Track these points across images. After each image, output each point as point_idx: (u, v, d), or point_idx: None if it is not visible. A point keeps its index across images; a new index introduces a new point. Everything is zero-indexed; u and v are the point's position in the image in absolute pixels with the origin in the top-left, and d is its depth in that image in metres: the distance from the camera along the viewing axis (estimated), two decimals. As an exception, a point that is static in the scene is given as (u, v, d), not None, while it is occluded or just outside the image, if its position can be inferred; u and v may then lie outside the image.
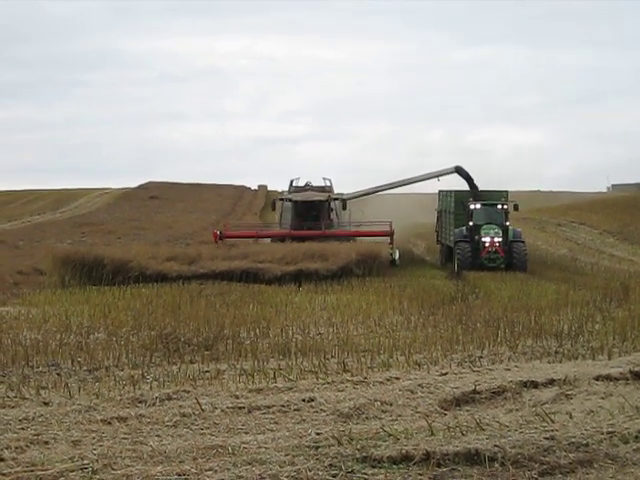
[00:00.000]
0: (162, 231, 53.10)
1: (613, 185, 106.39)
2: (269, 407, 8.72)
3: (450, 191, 41.14)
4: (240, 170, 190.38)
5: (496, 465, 6.31)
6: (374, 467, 6.36)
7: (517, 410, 8.16)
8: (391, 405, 8.67)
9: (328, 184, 41.53)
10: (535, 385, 9.17)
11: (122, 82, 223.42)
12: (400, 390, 9.31)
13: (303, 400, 8.93)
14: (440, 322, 17.86)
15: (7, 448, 7.15)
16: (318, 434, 7.37)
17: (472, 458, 6.41)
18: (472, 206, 37.64)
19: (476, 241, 36.49)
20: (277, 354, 14.07)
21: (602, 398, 8.41)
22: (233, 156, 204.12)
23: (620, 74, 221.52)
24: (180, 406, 8.87)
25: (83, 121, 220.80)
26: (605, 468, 6.26)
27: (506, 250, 36.19)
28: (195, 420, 8.31)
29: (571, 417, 7.56)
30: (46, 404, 9.55)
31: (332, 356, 13.83)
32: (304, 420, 8.21)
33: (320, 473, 6.18)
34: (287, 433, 7.56)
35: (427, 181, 42.22)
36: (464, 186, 40.96)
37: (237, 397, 9.39)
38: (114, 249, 34.75)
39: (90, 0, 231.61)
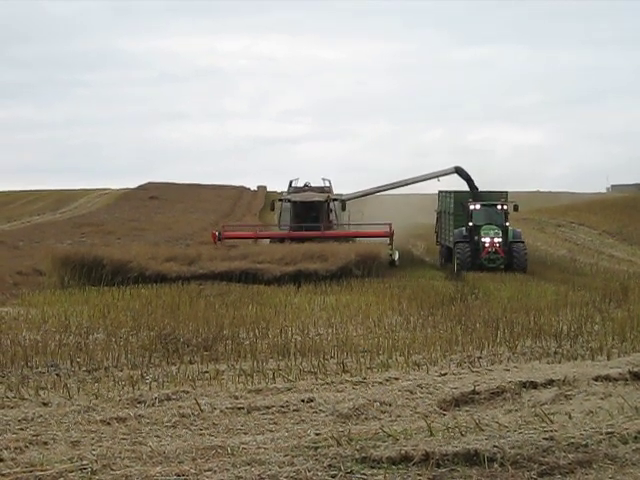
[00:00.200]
0: (161, 232, 53.09)
1: (612, 185, 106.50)
2: (268, 408, 8.72)
3: (449, 192, 41.13)
4: (240, 170, 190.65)
5: (495, 465, 6.31)
6: (373, 467, 6.36)
7: (516, 410, 8.17)
8: (390, 405, 8.67)
9: (327, 185, 41.52)
10: (534, 386, 9.17)
11: (122, 82, 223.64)
12: (399, 390, 9.31)
13: (302, 401, 8.93)
14: (439, 323, 17.86)
15: (6, 448, 7.15)
16: (317, 434, 7.37)
17: (471, 458, 6.41)
18: (472, 206, 37.61)
19: (476, 242, 36.47)
20: (276, 354, 14.06)
21: (601, 399, 8.41)
22: (233, 156, 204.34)
23: (620, 74, 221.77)
24: (179, 406, 8.87)
25: (83, 121, 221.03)
26: (604, 468, 6.26)
27: (506, 251, 36.18)
28: (194, 420, 8.31)
29: (570, 417, 7.56)
30: (45, 405, 9.55)
31: (331, 357, 13.83)
32: (303, 420, 8.21)
33: (319, 474, 6.18)
34: (286, 433, 7.56)
35: (427, 182, 42.24)
36: (464, 187, 40.96)
37: (236, 397, 9.39)
38: (114, 250, 34.74)
39: (90, 0, 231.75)
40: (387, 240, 36.38)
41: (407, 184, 42.79)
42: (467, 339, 15.13)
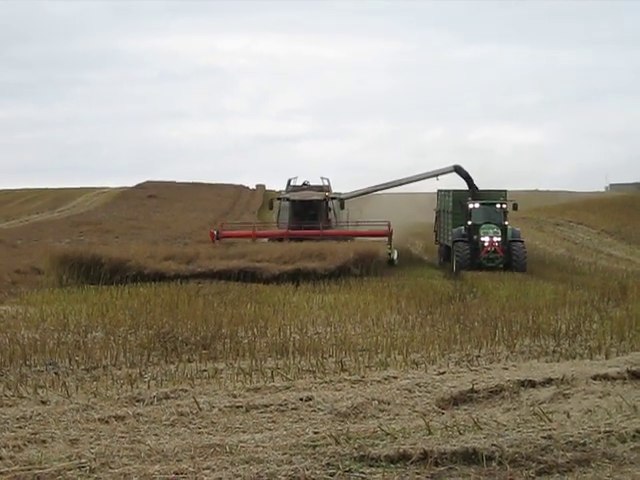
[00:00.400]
0: (160, 230, 53.07)
1: (611, 185, 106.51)
2: (267, 406, 8.72)
3: (448, 191, 41.08)
4: (240, 169, 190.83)
5: (493, 464, 6.31)
6: (371, 466, 6.36)
7: (515, 409, 8.17)
8: (389, 404, 8.67)
9: (326, 183, 41.46)
10: (533, 384, 9.18)
11: (122, 81, 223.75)
12: (398, 389, 9.31)
13: (301, 399, 8.93)
14: (438, 321, 17.87)
15: (5, 447, 7.15)
16: (316, 433, 7.37)
17: (470, 457, 6.41)
18: (471, 205, 37.52)
19: (475, 241, 36.38)
20: (275, 353, 14.06)
21: (600, 397, 8.41)
22: (233, 155, 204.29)
23: (620, 74, 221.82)
24: (178, 405, 8.87)
25: (83, 120, 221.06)
26: (602, 467, 6.27)
27: (505, 250, 36.10)
28: (193, 419, 8.32)
29: (569, 416, 7.56)
30: (44, 403, 9.55)
31: (330, 355, 13.83)
32: (302, 419, 8.21)
33: (317, 472, 6.19)
34: (285, 432, 7.56)
35: (426, 180, 42.20)
36: (463, 185, 40.91)
37: (235, 396, 9.39)
38: (112, 248, 34.72)
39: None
40: (386, 239, 36.34)
41: (406, 183, 42.75)
42: (466, 338, 15.13)
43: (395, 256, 36.06)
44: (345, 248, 32.86)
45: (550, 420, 7.35)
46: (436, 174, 41.80)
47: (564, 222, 61.58)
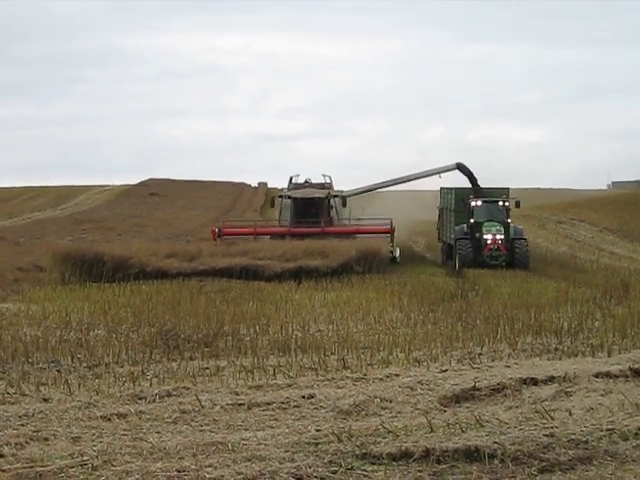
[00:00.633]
0: (162, 228, 53.09)
1: (613, 182, 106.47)
2: (269, 404, 8.72)
3: (451, 188, 41.00)
4: (240, 167, 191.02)
5: (496, 462, 6.31)
6: (374, 464, 6.37)
7: (517, 407, 8.17)
8: (391, 402, 8.67)
9: (328, 181, 41.43)
10: (535, 382, 9.18)
11: (122, 79, 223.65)
12: (400, 387, 9.31)
13: (303, 397, 8.93)
14: (440, 319, 17.86)
15: (7, 444, 7.15)
16: (318, 431, 7.37)
17: (472, 455, 6.41)
18: (473, 203, 37.41)
19: (477, 238, 36.30)
20: (277, 351, 14.07)
21: (602, 395, 8.41)
22: (233, 153, 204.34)
23: (621, 72, 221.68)
24: (180, 402, 8.88)
25: (83, 118, 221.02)
26: (605, 465, 6.27)
27: (508, 248, 36.03)
28: (195, 417, 8.32)
29: (571, 414, 7.56)
30: (46, 400, 9.56)
31: (332, 353, 13.83)
32: (304, 417, 8.21)
33: (320, 469, 6.19)
34: (287, 430, 7.56)
35: (428, 178, 42.14)
36: (466, 183, 40.85)
37: (237, 394, 9.39)
38: (114, 246, 34.75)
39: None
40: (388, 237, 36.31)
41: (408, 180, 42.69)
42: (468, 335, 15.13)
43: (397, 254, 36.04)
44: (347, 246, 32.85)
45: (552, 418, 7.35)
46: (439, 172, 41.71)
47: (566, 220, 61.55)
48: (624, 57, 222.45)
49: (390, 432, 7.05)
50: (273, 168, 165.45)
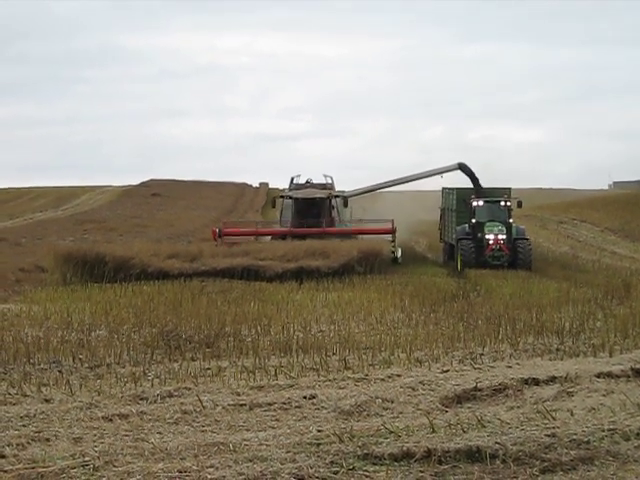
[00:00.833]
0: (164, 229, 53.10)
1: (615, 182, 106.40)
2: (270, 404, 8.72)
3: (452, 189, 40.95)
4: (240, 167, 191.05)
5: (497, 462, 6.31)
6: (375, 464, 6.37)
7: (518, 407, 8.16)
8: (392, 402, 8.67)
9: (329, 181, 41.41)
10: (536, 382, 9.18)
11: (122, 79, 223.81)
12: (401, 387, 9.31)
13: (304, 397, 8.93)
14: (441, 319, 17.86)
15: (8, 445, 7.15)
16: (319, 431, 7.37)
17: (473, 455, 6.41)
18: (475, 203, 37.28)
19: (479, 238, 36.20)
20: (278, 351, 14.07)
21: (603, 395, 8.41)
22: (233, 153, 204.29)
23: (622, 71, 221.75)
24: (181, 403, 8.88)
25: (84, 118, 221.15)
26: (606, 465, 6.26)
27: (510, 248, 35.96)
28: (196, 417, 8.32)
29: (572, 414, 7.56)
30: (47, 401, 9.56)
31: (333, 353, 13.83)
32: (305, 417, 8.21)
33: (321, 470, 6.19)
34: (288, 430, 7.56)
35: (430, 178, 42.10)
36: (467, 183, 40.80)
37: (238, 394, 9.39)
38: (116, 246, 34.75)
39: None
40: (390, 237, 36.28)
41: (410, 181, 42.64)
42: (469, 336, 15.13)
43: (399, 254, 36.02)
44: (348, 246, 32.85)
45: (554, 418, 7.35)
46: (440, 172, 41.65)
47: (568, 220, 61.52)
48: (624, 57, 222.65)
49: (392, 432, 7.05)
50: (273, 168, 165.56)
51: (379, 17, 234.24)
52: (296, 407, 8.62)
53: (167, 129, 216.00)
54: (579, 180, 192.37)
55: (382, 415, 8.18)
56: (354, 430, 7.24)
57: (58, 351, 14.23)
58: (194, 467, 6.26)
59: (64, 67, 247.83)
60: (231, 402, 8.87)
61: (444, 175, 41.65)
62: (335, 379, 10.27)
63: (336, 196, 40.15)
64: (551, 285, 26.15)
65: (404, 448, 6.51)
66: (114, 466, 6.41)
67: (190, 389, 9.79)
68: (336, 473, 6.16)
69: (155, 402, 9.15)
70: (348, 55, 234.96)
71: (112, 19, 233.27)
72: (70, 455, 6.73)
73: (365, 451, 6.51)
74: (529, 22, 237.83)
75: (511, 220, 36.97)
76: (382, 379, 10.10)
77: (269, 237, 39.23)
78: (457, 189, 40.39)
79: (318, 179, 41.50)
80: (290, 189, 41.04)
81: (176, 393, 9.53)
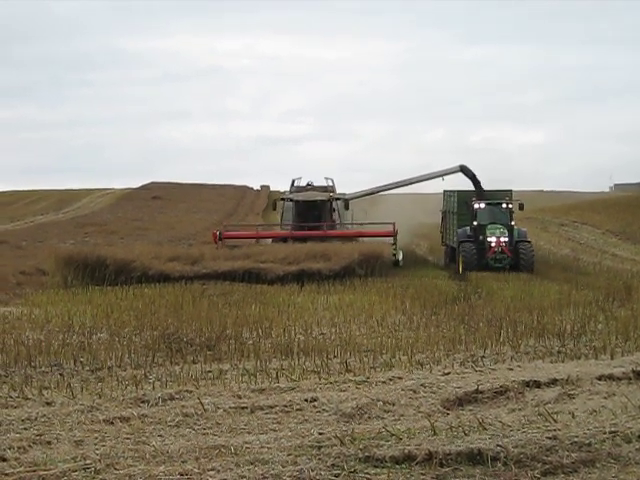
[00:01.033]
0: (165, 231, 53.11)
1: (616, 185, 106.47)
2: (271, 407, 8.72)
3: (454, 191, 40.90)
4: (242, 170, 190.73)
5: (499, 465, 6.31)
6: (376, 467, 6.36)
7: (520, 410, 8.16)
8: (393, 405, 8.66)
9: (330, 184, 41.38)
10: (538, 385, 9.17)
11: (124, 82, 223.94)
12: (402, 390, 9.30)
13: (305, 400, 8.93)
14: (442, 322, 17.86)
15: (10, 448, 7.16)
16: (320, 434, 7.37)
17: (475, 458, 6.41)
18: (476, 205, 37.16)
19: (481, 241, 36.09)
20: (279, 354, 14.07)
21: (605, 398, 8.41)
22: (235, 156, 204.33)
23: (623, 73, 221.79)
24: (183, 406, 8.88)
25: (85, 121, 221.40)
26: (608, 468, 6.26)
27: (512, 250, 35.88)
28: (198, 420, 8.32)
29: (574, 417, 7.56)
30: (49, 404, 9.55)
31: (334, 356, 13.84)
32: (306, 420, 8.21)
33: (322, 473, 6.19)
34: (289, 433, 7.56)
35: (431, 181, 42.05)
36: (468, 186, 40.74)
37: (239, 397, 9.39)
38: (117, 249, 34.74)
39: (92, 0, 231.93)
40: (391, 240, 36.25)
41: (411, 183, 42.56)
42: (470, 338, 15.13)
43: (400, 257, 35.99)
44: (350, 249, 32.82)
45: (555, 420, 7.35)
46: (442, 174, 41.59)
47: (569, 222, 61.48)
48: (625, 57, 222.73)
49: (393, 435, 7.04)
50: (274, 171, 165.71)
51: (380, 19, 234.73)
52: (297, 410, 8.62)
53: (168, 132, 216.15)
54: (580, 182, 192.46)
55: (383, 418, 8.18)
56: (355, 433, 7.24)
57: (59, 354, 14.24)
58: (195, 470, 6.26)
59: (66, 70, 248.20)
60: (232, 405, 8.87)
61: (445, 177, 41.58)
62: (336, 382, 10.27)
63: (337, 199, 40.12)
64: (552, 287, 26.14)
65: (405, 451, 6.51)
66: (115, 469, 6.41)
67: (191, 392, 9.79)
68: (337, 476, 6.16)
69: (156, 405, 9.15)
70: (349, 58, 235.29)
71: (113, 21, 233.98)
72: (71, 458, 6.73)
73: (366, 454, 6.51)
74: (529, 23, 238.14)
75: (513, 222, 36.89)
76: (383, 382, 10.10)
77: (270, 240, 39.23)
78: (458, 191, 40.33)
79: (319, 182, 41.48)
80: (291, 192, 41.03)
81: (177, 396, 9.53)
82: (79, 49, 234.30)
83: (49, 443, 7.43)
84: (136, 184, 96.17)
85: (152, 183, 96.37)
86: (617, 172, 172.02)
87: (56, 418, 8.49)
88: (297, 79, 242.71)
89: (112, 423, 8.24)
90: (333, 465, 6.32)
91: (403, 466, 6.37)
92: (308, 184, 41.22)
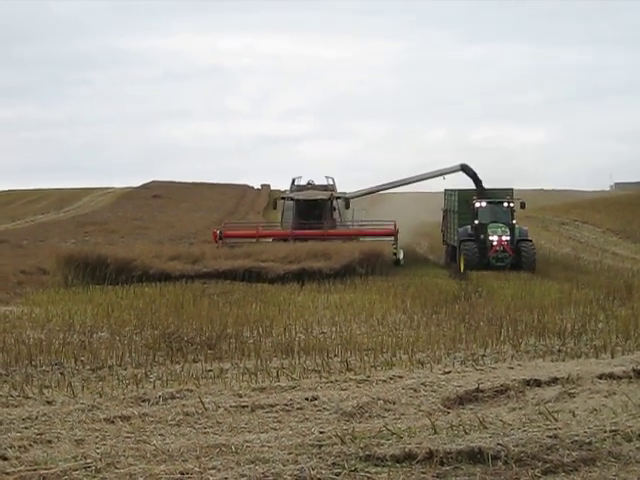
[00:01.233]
0: (165, 230, 53.12)
1: (616, 183, 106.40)
2: (272, 406, 8.72)
3: (454, 190, 40.86)
4: (242, 169, 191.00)
5: (499, 463, 6.31)
6: (377, 466, 6.36)
7: (520, 409, 8.16)
8: (394, 404, 8.66)
9: (331, 183, 41.37)
10: (538, 384, 9.17)
11: (124, 81, 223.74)
12: (403, 389, 9.30)
13: (306, 399, 8.93)
14: (443, 321, 17.86)
15: (10, 447, 7.16)
16: (321, 433, 7.37)
17: (475, 456, 6.41)
18: (477, 204, 37.06)
19: (482, 240, 36.02)
20: (280, 353, 14.08)
21: (605, 397, 8.40)
22: (235, 155, 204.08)
23: (624, 72, 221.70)
24: (183, 405, 8.87)
25: (86, 120, 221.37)
26: (608, 466, 6.26)
27: (513, 249, 35.83)
28: (198, 419, 8.31)
29: (574, 416, 7.55)
30: (49, 403, 9.55)
31: (335, 355, 13.84)
32: (307, 419, 8.20)
33: (323, 472, 6.19)
34: (290, 432, 7.56)
35: (432, 180, 42.04)
36: (469, 184, 40.71)
37: (240, 396, 9.39)
38: (117, 248, 34.77)
39: (92, 0, 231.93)
40: (392, 239, 36.25)
41: (412, 182, 42.54)
42: (471, 337, 15.13)
43: (401, 256, 35.99)
44: (350, 248, 32.83)
45: (556, 419, 7.35)
46: (443, 173, 41.57)
47: (569, 221, 61.49)
48: (625, 57, 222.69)
49: (393, 434, 7.05)
50: (275, 170, 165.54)
51: (380, 19, 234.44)
52: (298, 409, 8.62)
53: (168, 131, 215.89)
54: (580, 181, 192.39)
55: (384, 416, 8.18)
56: (356, 432, 7.24)
57: (60, 353, 14.24)
58: (196, 469, 6.26)
59: (66, 69, 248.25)
60: (233, 404, 8.86)
61: (446, 176, 41.59)
62: (337, 380, 10.27)
63: (338, 197, 40.13)
64: (553, 286, 26.14)
65: (406, 449, 6.51)
66: (116, 468, 6.42)
67: (192, 391, 9.79)
68: (338, 475, 6.16)
69: (157, 404, 9.15)
70: (349, 57, 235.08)
71: (113, 21, 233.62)
72: (72, 457, 6.73)
73: (367, 452, 6.51)
74: (529, 23, 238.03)
75: (514, 221, 36.84)
76: (384, 380, 10.09)
77: (270, 239, 39.23)
78: (459, 190, 40.30)
79: (320, 180, 41.49)
80: (291, 190, 41.03)
81: (178, 395, 9.53)
82: (79, 49, 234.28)
83: (50, 442, 7.43)
84: (136, 183, 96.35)
85: (152, 182, 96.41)
86: (617, 171, 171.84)
87: (57, 417, 8.49)
88: (297, 78, 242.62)
89: (113, 422, 8.24)
90: (334, 464, 6.33)
91: (404, 465, 6.37)
92: (309, 183, 41.22)
